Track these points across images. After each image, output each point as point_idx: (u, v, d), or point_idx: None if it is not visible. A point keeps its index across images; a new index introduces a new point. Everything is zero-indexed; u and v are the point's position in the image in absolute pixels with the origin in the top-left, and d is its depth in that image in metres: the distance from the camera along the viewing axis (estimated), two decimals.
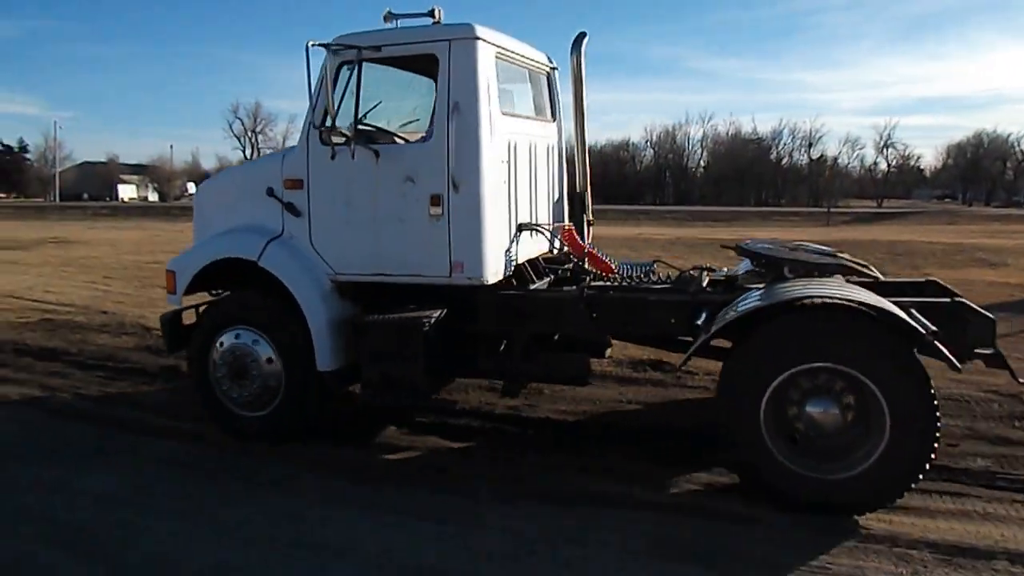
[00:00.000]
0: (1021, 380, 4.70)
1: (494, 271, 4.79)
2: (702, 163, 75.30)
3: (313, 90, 4.70)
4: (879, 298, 4.05)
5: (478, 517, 4.13)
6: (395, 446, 5.24)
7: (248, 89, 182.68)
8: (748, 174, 69.52)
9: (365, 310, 5.01)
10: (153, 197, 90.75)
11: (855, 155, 72.86)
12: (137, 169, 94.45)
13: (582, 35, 5.84)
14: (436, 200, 4.66)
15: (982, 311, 4.39)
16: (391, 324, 4.75)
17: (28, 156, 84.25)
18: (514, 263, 5.13)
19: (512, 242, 5.11)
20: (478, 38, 4.61)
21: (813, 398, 4.05)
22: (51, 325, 9.08)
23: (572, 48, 5.79)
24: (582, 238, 5.99)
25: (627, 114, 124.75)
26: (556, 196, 6.01)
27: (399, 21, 4.89)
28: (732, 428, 4.11)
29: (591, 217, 6.24)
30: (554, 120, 6.03)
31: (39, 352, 7.85)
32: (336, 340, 4.90)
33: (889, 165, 71.82)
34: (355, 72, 4.77)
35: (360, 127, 4.83)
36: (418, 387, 4.79)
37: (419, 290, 4.94)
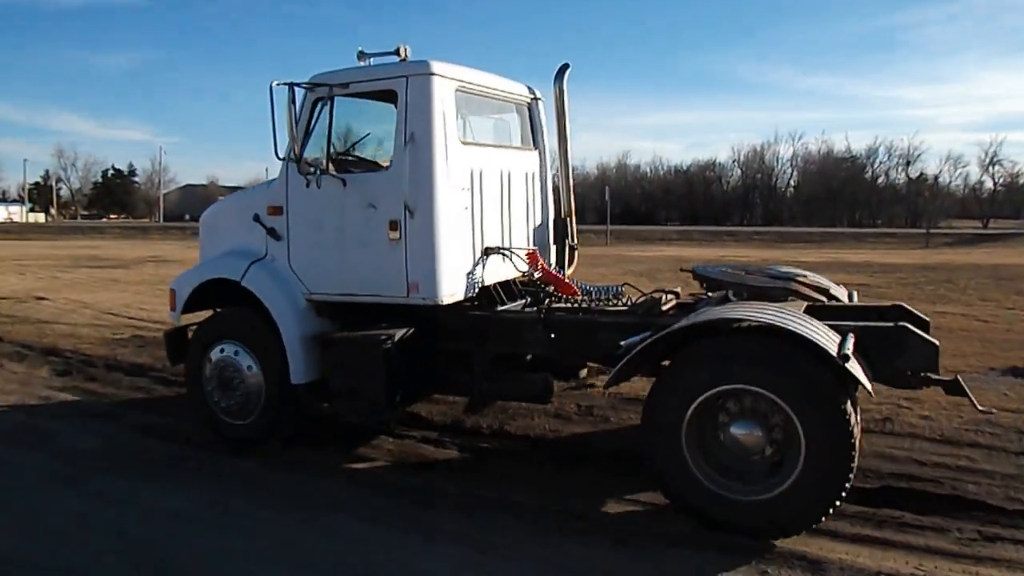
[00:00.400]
0: (981, 408, 4.60)
1: (449, 292, 5.05)
2: (792, 183, 73.08)
3: (287, 124, 5.11)
4: (803, 321, 4.07)
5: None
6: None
7: None
8: (841, 194, 66.90)
9: (344, 328, 5.37)
10: None
11: (957, 173, 68.83)
12: (234, 191, 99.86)
13: (564, 67, 6.08)
14: (394, 225, 4.99)
15: (926, 337, 4.32)
16: (354, 341, 5.10)
17: (136, 180, 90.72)
18: (478, 285, 5.37)
19: (477, 265, 5.36)
20: (432, 73, 4.93)
21: (738, 420, 4.11)
22: (141, 341, 9.68)
23: (555, 79, 6.03)
24: (563, 263, 6.20)
25: (714, 134, 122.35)
26: (539, 222, 6.23)
27: (371, 60, 5.28)
28: (655, 449, 4.21)
29: (575, 242, 6.42)
30: (535, 149, 6.26)
31: (128, 368, 8.34)
32: (308, 355, 5.27)
33: (995, 183, 67.68)
34: (327, 107, 5.17)
35: (333, 157, 5.23)
36: (378, 401, 5.09)
37: (391, 309, 5.25)
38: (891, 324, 4.43)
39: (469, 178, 5.27)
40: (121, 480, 5.15)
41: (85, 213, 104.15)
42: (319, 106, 5.22)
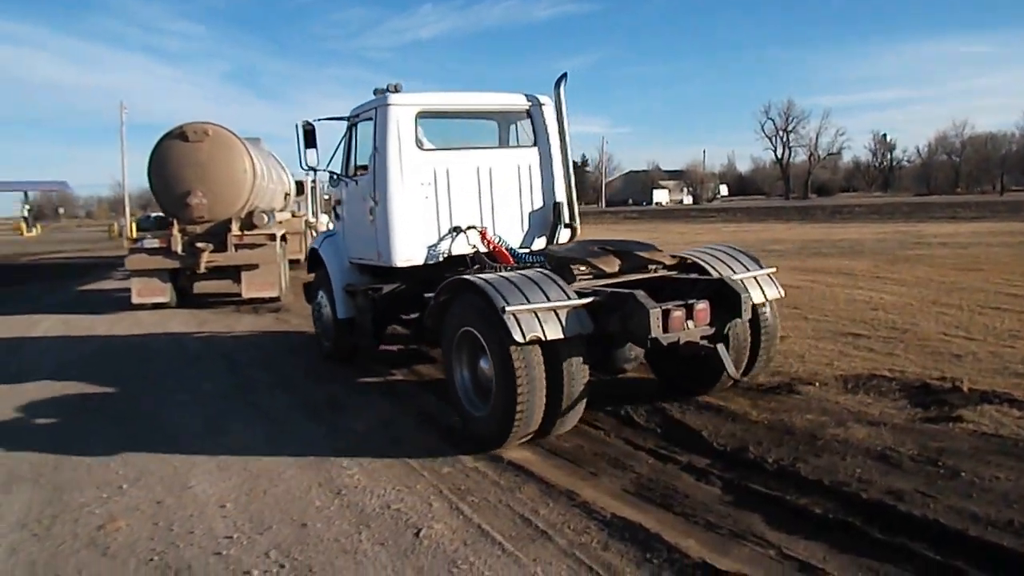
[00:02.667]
0: (733, 374, 5.01)
1: (405, 258, 7.00)
2: None
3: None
4: (514, 283, 5.10)
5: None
6: None
7: (780, 88, 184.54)
8: None
9: (372, 282, 7.74)
10: (687, 200, 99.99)
11: None
12: (674, 174, 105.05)
13: (563, 76, 7.45)
14: (371, 211, 7.16)
15: (643, 304, 4.92)
16: (358, 290, 7.46)
17: (588, 168, 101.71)
18: (444, 254, 7.15)
19: (444, 239, 7.15)
20: (388, 104, 6.93)
21: (483, 355, 5.37)
22: None
23: (554, 86, 7.45)
24: (553, 239, 7.54)
25: None
26: (538, 206, 7.64)
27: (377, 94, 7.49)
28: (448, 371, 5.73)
29: (569, 221, 7.65)
30: (534, 146, 7.67)
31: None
32: (345, 300, 7.81)
33: None
34: (353, 130, 7.56)
35: (356, 165, 7.63)
36: (366, 333, 7.40)
37: (391, 269, 7.43)
38: (625, 292, 5.12)
39: (432, 175, 7.10)
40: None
41: None
42: (350, 130, 7.65)
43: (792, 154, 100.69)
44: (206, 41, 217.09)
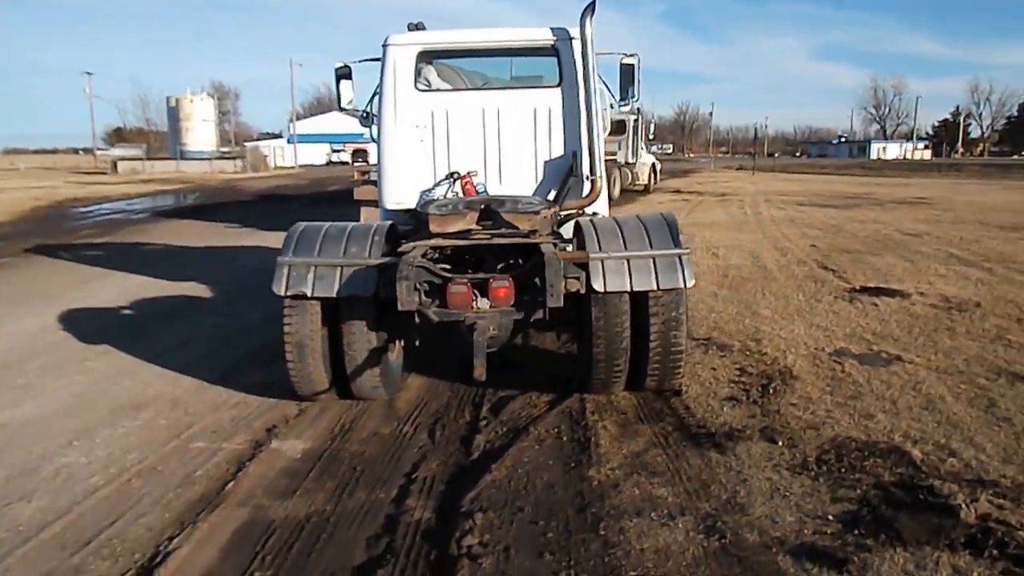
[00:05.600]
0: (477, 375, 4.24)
1: (396, 201, 6.87)
2: None
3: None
4: (319, 229, 5.00)
5: None
6: None
7: None
8: None
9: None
10: None
11: None
12: None
13: (590, 6, 6.51)
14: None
15: (401, 270, 4.38)
16: None
17: None
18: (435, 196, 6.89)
19: (439, 184, 6.87)
20: (388, 44, 6.76)
21: None
22: None
23: (580, 18, 6.56)
24: (561, 194, 6.74)
25: None
26: (555, 154, 6.84)
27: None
28: None
29: (588, 173, 6.70)
30: (558, 86, 6.81)
31: None
32: None
33: None
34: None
35: None
36: None
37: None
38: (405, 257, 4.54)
39: (430, 117, 6.82)
40: None
41: (995, 150, 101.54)
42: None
43: None
44: None
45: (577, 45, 6.59)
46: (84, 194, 30.42)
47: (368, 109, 7.74)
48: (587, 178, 6.70)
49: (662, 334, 4.77)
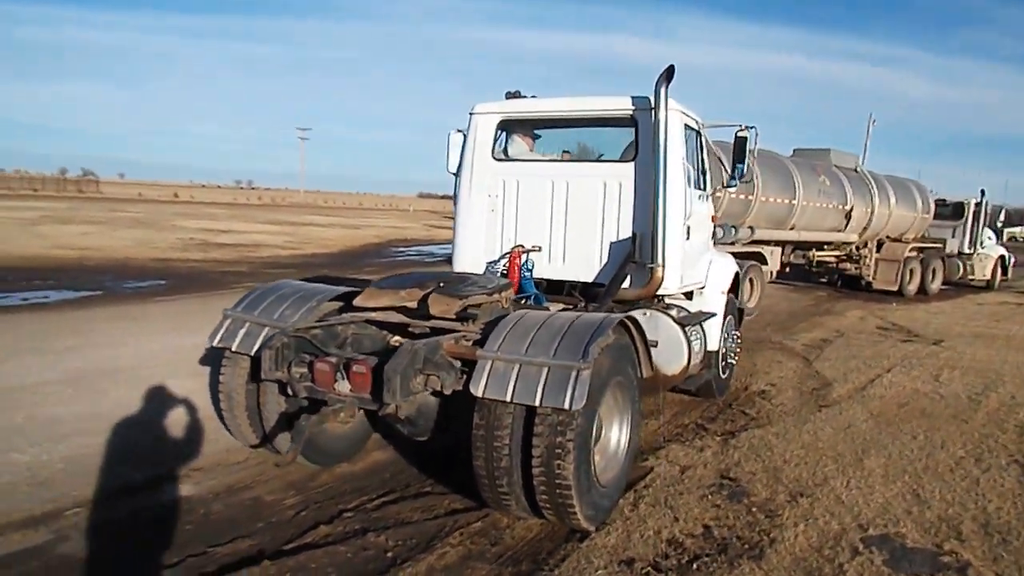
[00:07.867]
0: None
1: (462, 268, 6.72)
2: None
3: None
4: (274, 290, 5.12)
5: None
6: None
7: None
8: None
9: None
10: None
11: None
12: None
13: (668, 70, 5.79)
14: None
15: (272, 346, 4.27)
16: None
17: None
18: (501, 272, 6.56)
19: (503, 257, 6.55)
20: (473, 113, 6.70)
21: None
22: None
23: (655, 85, 5.85)
24: (619, 280, 5.96)
25: None
26: (622, 235, 6.09)
27: None
28: None
29: (648, 261, 5.83)
30: (632, 160, 6.05)
31: None
32: None
33: None
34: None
35: None
36: None
37: None
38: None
39: (501, 187, 6.57)
40: None
41: None
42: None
43: None
44: None
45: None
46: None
47: None
48: (647, 266, 5.87)
49: (544, 461, 3.93)
